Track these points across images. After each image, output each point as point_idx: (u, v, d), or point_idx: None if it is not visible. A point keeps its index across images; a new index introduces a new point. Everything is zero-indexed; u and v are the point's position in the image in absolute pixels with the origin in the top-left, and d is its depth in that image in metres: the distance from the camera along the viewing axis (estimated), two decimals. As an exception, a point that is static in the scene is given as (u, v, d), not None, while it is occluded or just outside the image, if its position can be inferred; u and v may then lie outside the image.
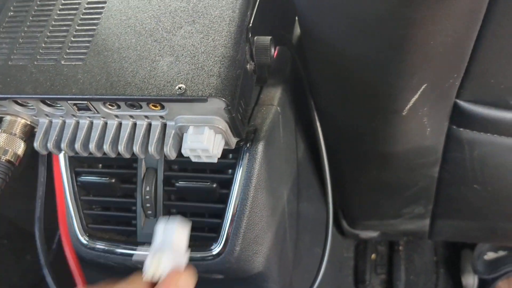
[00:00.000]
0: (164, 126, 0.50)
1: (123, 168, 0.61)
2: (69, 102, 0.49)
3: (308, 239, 0.80)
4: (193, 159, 0.50)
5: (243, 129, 0.51)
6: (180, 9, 0.51)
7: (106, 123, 0.51)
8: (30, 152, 0.54)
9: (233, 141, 0.51)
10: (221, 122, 0.48)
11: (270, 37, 0.51)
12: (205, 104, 0.46)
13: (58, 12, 0.54)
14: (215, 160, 0.50)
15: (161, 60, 0.48)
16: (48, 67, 0.50)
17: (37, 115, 0.52)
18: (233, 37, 0.48)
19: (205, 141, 0.47)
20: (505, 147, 0.61)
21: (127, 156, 0.51)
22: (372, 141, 0.66)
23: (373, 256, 1.12)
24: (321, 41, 0.52)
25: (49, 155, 0.63)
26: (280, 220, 0.63)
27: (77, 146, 0.51)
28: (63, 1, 0.55)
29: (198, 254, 0.57)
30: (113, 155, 0.51)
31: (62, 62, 0.50)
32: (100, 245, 0.61)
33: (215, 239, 0.57)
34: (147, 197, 0.58)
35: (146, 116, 0.49)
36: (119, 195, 0.61)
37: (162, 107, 0.48)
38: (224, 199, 0.57)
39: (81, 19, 0.53)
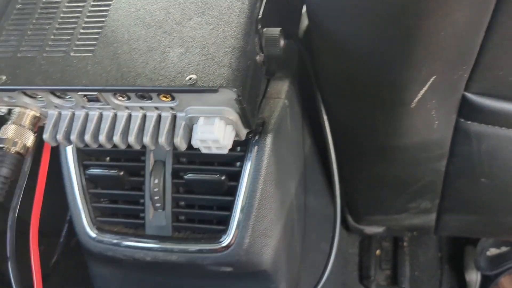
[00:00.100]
0: (174, 118, 0.50)
1: (131, 161, 0.61)
2: (79, 93, 0.49)
3: (315, 234, 0.80)
4: (203, 150, 0.50)
5: (253, 120, 0.51)
6: (189, 1, 0.51)
7: (116, 115, 0.51)
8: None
9: (243, 132, 0.51)
10: (232, 113, 0.48)
11: (279, 29, 0.51)
12: (216, 95, 0.46)
13: (67, 4, 0.54)
14: (226, 151, 0.50)
15: (171, 51, 0.48)
16: (57, 59, 0.50)
17: (46, 107, 0.52)
18: (243, 28, 0.48)
19: (216, 132, 0.47)
20: (513, 140, 0.61)
21: (137, 147, 0.51)
22: (379, 134, 0.66)
23: (378, 252, 1.12)
24: (330, 32, 0.52)
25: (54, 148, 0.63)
26: (288, 213, 0.63)
27: (87, 137, 0.51)
28: None
29: (207, 247, 0.57)
30: (123, 147, 0.51)
31: (72, 54, 0.50)
32: (108, 238, 0.61)
33: (223, 231, 0.57)
34: (156, 189, 0.59)
35: (156, 108, 0.49)
36: (127, 188, 0.61)
37: (173, 98, 0.48)
38: (232, 192, 0.57)
39: (90, 11, 0.53)
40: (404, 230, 1.02)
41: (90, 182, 0.62)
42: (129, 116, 0.51)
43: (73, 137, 0.51)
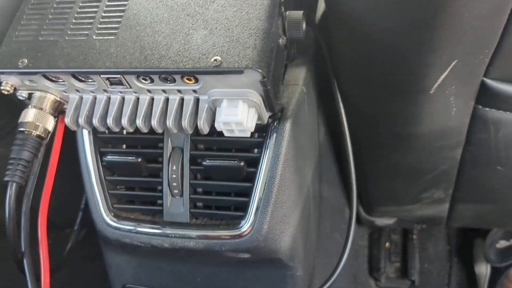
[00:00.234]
0: (196, 101, 0.50)
1: (148, 148, 0.61)
2: (102, 76, 0.49)
3: (329, 223, 0.80)
4: (226, 133, 0.49)
5: (277, 103, 0.51)
6: None
7: (138, 98, 0.51)
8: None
9: (266, 115, 0.51)
10: (255, 95, 0.48)
11: (302, 12, 0.51)
12: (240, 77, 0.46)
13: None
14: (248, 134, 0.49)
15: (194, 33, 0.48)
16: (79, 42, 0.50)
17: (68, 91, 0.52)
18: (267, 10, 0.48)
19: (240, 114, 0.47)
20: (531, 127, 0.61)
21: (160, 130, 0.51)
22: (396, 122, 0.66)
23: (387, 244, 1.12)
24: (349, 17, 0.52)
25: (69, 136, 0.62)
26: (305, 200, 0.63)
27: (110, 121, 0.51)
28: None
29: (226, 233, 0.57)
30: (145, 130, 0.51)
31: (94, 37, 0.50)
32: (125, 225, 0.61)
33: (242, 218, 0.57)
34: (174, 176, 0.58)
35: (179, 91, 0.49)
36: (144, 174, 0.61)
37: (196, 80, 0.48)
38: (251, 178, 0.57)
39: None
40: (415, 221, 1.02)
41: (107, 169, 0.62)
42: (151, 100, 0.51)
43: (95, 120, 0.51)
